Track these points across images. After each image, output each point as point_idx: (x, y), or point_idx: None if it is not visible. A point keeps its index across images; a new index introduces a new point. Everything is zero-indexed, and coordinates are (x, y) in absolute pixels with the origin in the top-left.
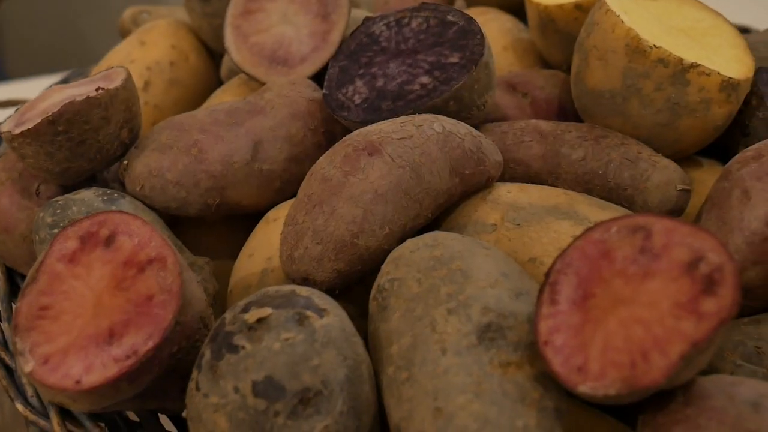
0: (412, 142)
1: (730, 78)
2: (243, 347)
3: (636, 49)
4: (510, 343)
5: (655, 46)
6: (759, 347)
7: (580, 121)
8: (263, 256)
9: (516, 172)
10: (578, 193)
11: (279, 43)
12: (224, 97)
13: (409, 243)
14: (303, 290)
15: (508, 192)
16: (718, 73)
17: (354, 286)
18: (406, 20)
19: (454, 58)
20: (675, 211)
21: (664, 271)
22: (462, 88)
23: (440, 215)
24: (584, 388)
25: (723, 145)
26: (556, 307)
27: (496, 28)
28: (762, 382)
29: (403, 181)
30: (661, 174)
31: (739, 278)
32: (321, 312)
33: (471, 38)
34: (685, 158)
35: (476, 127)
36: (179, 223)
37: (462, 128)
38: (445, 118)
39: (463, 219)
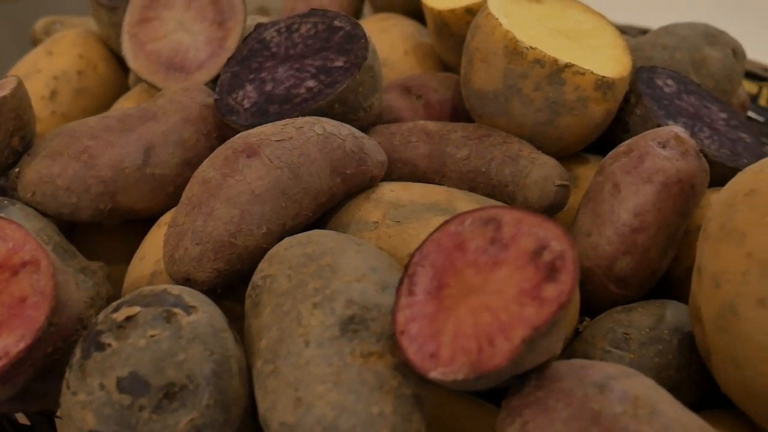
0: (291, 143)
1: (604, 77)
2: (110, 345)
3: (514, 50)
4: (373, 334)
5: (531, 47)
6: (627, 333)
7: (473, 121)
8: (153, 259)
9: (403, 172)
10: (459, 190)
11: (176, 51)
12: (126, 105)
13: (285, 241)
14: (175, 289)
15: (390, 191)
16: (592, 72)
17: (240, 284)
18: (296, 26)
19: (340, 62)
20: (554, 206)
21: (512, 259)
22: (346, 91)
23: (326, 214)
24: (435, 374)
25: (609, 142)
26: (413, 298)
27: (398, 33)
28: (612, 365)
29: (281, 181)
30: (540, 170)
31: (578, 265)
32: (189, 309)
33: (356, 42)
34: (572, 155)
35: (366, 128)
36: (79, 230)
37: (344, 130)
38: (327, 120)
39: (347, 218)
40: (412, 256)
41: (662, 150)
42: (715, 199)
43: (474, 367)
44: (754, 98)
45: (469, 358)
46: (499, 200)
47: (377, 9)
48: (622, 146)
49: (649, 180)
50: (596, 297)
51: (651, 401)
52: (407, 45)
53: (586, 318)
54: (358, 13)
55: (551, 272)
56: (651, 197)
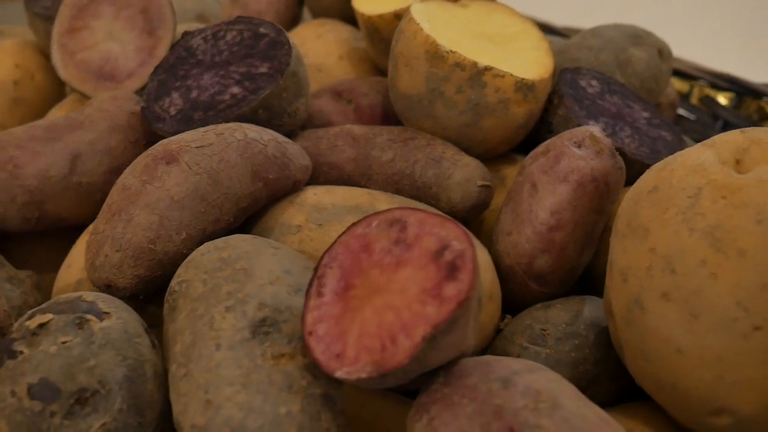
0: (211, 149)
1: (524, 79)
2: (21, 352)
3: (435, 54)
4: (284, 335)
5: (451, 51)
6: (544, 329)
7: (403, 125)
8: (79, 267)
9: (330, 176)
10: (382, 193)
11: (106, 59)
12: (59, 114)
13: (203, 246)
14: (90, 296)
15: (314, 194)
16: (512, 74)
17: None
18: (222, 33)
19: (264, 69)
20: (477, 206)
21: (415, 259)
22: (270, 97)
23: (251, 219)
24: (341, 373)
25: (535, 143)
26: (321, 299)
27: (333, 39)
28: (519, 360)
29: (200, 187)
30: (463, 171)
31: (477, 263)
32: (102, 315)
33: (280, 49)
34: (499, 156)
35: (293, 133)
36: (10, 239)
37: (266, 135)
38: (250, 125)
39: (271, 222)
40: (321, 258)
41: (577, 150)
42: (625, 197)
43: (377, 365)
44: (685, 97)
45: (372, 356)
46: (424, 202)
47: (315, 15)
48: (541, 147)
49: (564, 179)
50: (518, 295)
51: (553, 395)
52: (342, 50)
53: (508, 316)
54: (297, 19)
55: (451, 271)
56: (567, 196)
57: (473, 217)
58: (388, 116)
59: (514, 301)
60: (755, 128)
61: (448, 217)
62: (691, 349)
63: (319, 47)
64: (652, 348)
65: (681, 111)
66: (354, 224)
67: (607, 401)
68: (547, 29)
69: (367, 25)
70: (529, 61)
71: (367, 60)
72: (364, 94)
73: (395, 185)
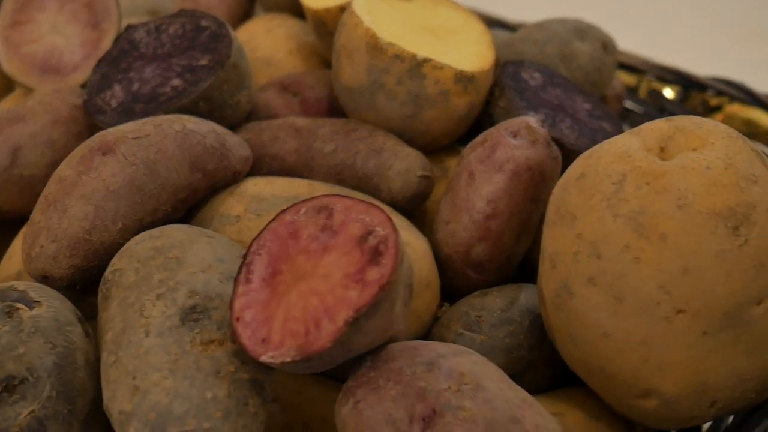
0: (148, 140)
1: (463, 71)
2: None
3: (375, 46)
4: (214, 322)
5: (390, 43)
6: (480, 316)
7: (348, 117)
8: (20, 258)
9: (272, 167)
10: (322, 183)
11: (50, 53)
12: (5, 107)
13: (138, 236)
14: (21, 285)
15: (254, 185)
16: (451, 66)
17: None
18: (165, 26)
19: (204, 61)
20: (418, 196)
21: (340, 245)
22: (210, 89)
23: (192, 209)
24: (266, 357)
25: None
26: (249, 286)
27: (283, 33)
28: (446, 345)
29: (136, 177)
30: (403, 162)
31: (399, 249)
32: (32, 304)
33: (220, 41)
34: (445, 147)
35: (237, 125)
36: None
37: (205, 126)
38: (189, 117)
39: (211, 212)
40: (250, 245)
41: (513, 139)
42: (556, 185)
43: (301, 349)
44: (633, 90)
45: (296, 341)
46: (365, 192)
47: (266, 9)
48: (479, 137)
49: (500, 168)
50: (457, 283)
51: (476, 377)
52: (291, 44)
53: (446, 303)
54: (249, 14)
55: (375, 256)
56: (502, 185)
57: (414, 207)
58: (335, 109)
59: (453, 290)
60: (681, 116)
61: (375, 203)
62: (616, 333)
63: (269, 41)
64: (580, 332)
65: (629, 104)
66: (283, 211)
67: (544, 387)
68: (500, 24)
69: (314, 19)
70: (470, 54)
71: (317, 54)
72: (311, 87)
73: (337, 176)
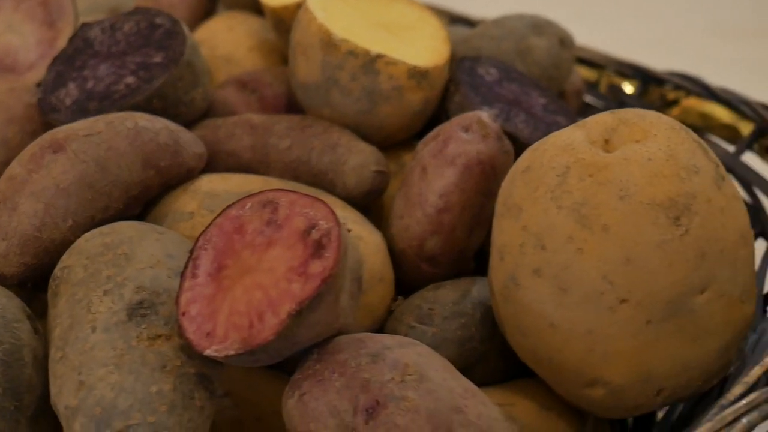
0: (99, 138)
1: (416, 66)
2: None
3: (328, 43)
4: (162, 317)
5: (344, 39)
6: (432, 309)
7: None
8: None
9: (228, 163)
10: (277, 179)
11: (5, 52)
12: None
13: (89, 233)
14: None
15: (208, 181)
16: (404, 62)
17: None
18: (120, 24)
19: (158, 58)
20: (373, 191)
21: (284, 239)
22: (164, 86)
23: (148, 206)
24: (210, 351)
25: None
26: (195, 281)
27: (243, 31)
28: (393, 337)
29: (87, 175)
30: (357, 157)
31: (342, 242)
32: None
33: (174, 39)
34: (402, 143)
35: (193, 123)
36: None
37: (158, 123)
38: (141, 114)
39: (165, 209)
40: (196, 240)
41: (465, 134)
42: (505, 178)
43: (245, 342)
44: (594, 85)
45: (240, 334)
46: (321, 188)
47: (228, 7)
48: (433, 132)
49: (452, 163)
50: (412, 277)
51: (420, 368)
52: (252, 42)
53: (400, 297)
54: (211, 12)
55: (318, 249)
56: (454, 179)
57: (370, 202)
58: (293, 106)
59: (408, 284)
60: (626, 109)
61: (319, 198)
62: (562, 323)
63: (229, 39)
64: (527, 323)
65: (589, 99)
66: (229, 206)
67: (497, 378)
68: (463, 21)
69: (272, 17)
70: (424, 49)
71: (277, 51)
72: (269, 84)
73: (293, 172)
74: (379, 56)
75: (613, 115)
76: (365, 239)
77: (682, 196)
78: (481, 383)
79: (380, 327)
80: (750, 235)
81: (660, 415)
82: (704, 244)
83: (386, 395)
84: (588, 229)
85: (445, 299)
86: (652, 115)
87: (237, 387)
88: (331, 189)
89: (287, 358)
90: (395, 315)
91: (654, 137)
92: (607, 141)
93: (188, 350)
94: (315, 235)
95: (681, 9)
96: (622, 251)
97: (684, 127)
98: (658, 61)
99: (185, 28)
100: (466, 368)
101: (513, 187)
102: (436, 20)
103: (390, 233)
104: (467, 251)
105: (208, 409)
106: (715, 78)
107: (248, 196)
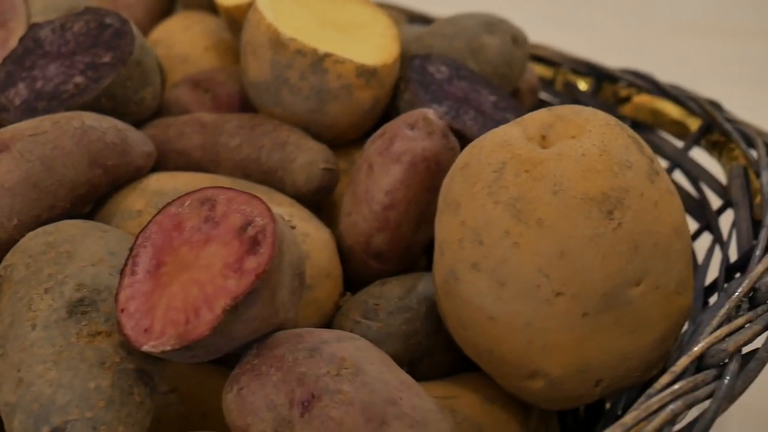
0: (45, 137)
1: (364, 64)
2: None
3: (277, 42)
4: (102, 314)
5: (292, 38)
6: (377, 304)
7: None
8: None
9: (179, 162)
10: (226, 177)
11: None
12: None
13: (33, 232)
14: None
15: (156, 180)
16: (352, 60)
17: None
18: (70, 24)
19: (107, 58)
20: (322, 189)
21: (221, 236)
22: (113, 86)
23: (97, 205)
24: (148, 347)
25: None
26: (134, 278)
27: (200, 30)
28: (331, 331)
29: (32, 174)
30: (306, 155)
31: (277, 238)
32: None
33: (123, 38)
34: (355, 142)
35: (144, 122)
36: None
37: (105, 122)
38: (89, 113)
39: (113, 208)
40: (136, 238)
41: (410, 131)
42: (446, 175)
43: (181, 337)
44: (550, 83)
45: (177, 329)
46: (271, 186)
47: (186, 7)
48: (380, 130)
49: (397, 160)
50: (360, 273)
51: (356, 361)
52: (208, 41)
53: (348, 293)
54: (169, 12)
55: (253, 245)
56: (400, 176)
57: (320, 200)
58: (246, 105)
59: (357, 280)
60: (563, 106)
61: (257, 195)
62: (501, 317)
63: (186, 39)
64: (467, 317)
65: (545, 97)
66: (168, 204)
67: (443, 372)
68: (422, 19)
69: (226, 16)
70: (373, 48)
71: (233, 51)
72: (222, 84)
73: (243, 170)
74: (327, 55)
75: (550, 111)
76: (312, 236)
77: (615, 190)
78: (427, 377)
79: (328, 322)
80: (685, 229)
81: (608, 405)
82: (637, 237)
83: (321, 388)
84: (523, 224)
85: (391, 294)
86: (588, 111)
87: (183, 383)
88: (280, 187)
89: (228, 354)
90: (342, 311)
91: (589, 133)
92: (543, 137)
93: (128, 346)
94: (251, 231)
95: (643, 6)
96: (557, 245)
97: (619, 123)
98: (622, 60)
99: (134, 28)
100: (411, 362)
101: (452, 183)
102: (387, 19)
103: (339, 230)
104: (414, 247)
105: (147, 404)
106: (680, 76)
107: (187, 193)
